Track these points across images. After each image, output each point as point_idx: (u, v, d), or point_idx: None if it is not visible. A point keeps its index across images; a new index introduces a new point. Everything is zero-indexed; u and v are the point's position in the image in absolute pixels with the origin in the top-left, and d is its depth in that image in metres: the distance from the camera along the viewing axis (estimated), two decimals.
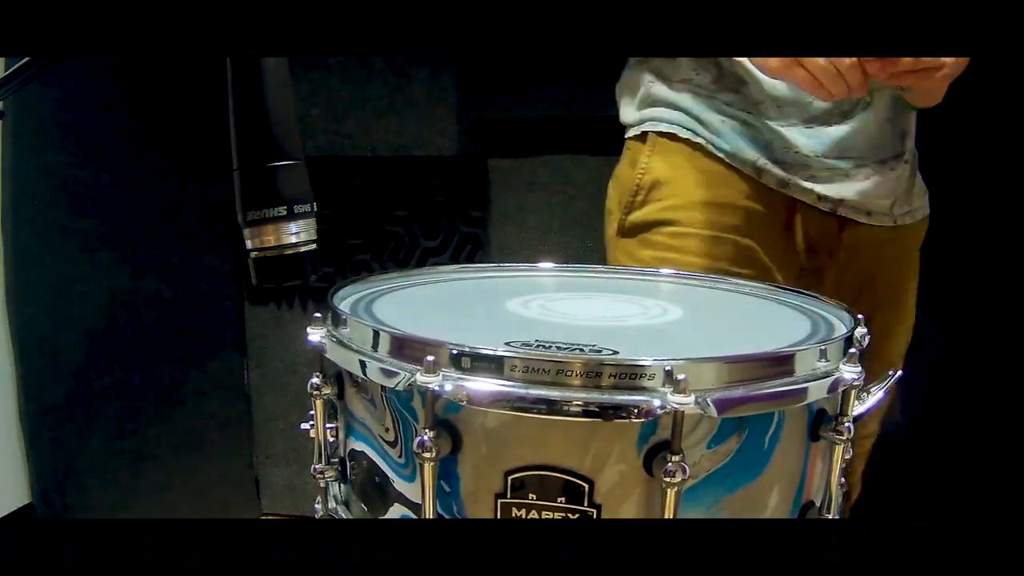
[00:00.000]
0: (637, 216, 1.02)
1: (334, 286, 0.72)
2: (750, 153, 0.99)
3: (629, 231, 1.03)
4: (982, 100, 1.29)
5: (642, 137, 1.04)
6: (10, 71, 0.56)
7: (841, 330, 0.67)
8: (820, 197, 1.00)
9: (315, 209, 0.58)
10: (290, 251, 0.56)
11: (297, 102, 0.57)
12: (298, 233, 0.56)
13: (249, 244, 0.57)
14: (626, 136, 1.08)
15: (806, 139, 0.98)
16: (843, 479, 0.62)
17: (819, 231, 1.03)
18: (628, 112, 1.08)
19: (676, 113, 1.01)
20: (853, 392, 0.59)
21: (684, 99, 1.01)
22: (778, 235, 1.02)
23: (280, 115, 0.56)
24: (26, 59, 0.55)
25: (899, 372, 0.70)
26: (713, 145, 1.00)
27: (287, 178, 0.56)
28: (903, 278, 1.11)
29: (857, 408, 0.61)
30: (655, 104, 1.03)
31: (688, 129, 1.01)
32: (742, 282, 0.89)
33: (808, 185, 1.00)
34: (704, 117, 1.00)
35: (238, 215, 0.56)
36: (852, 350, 0.60)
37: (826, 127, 0.98)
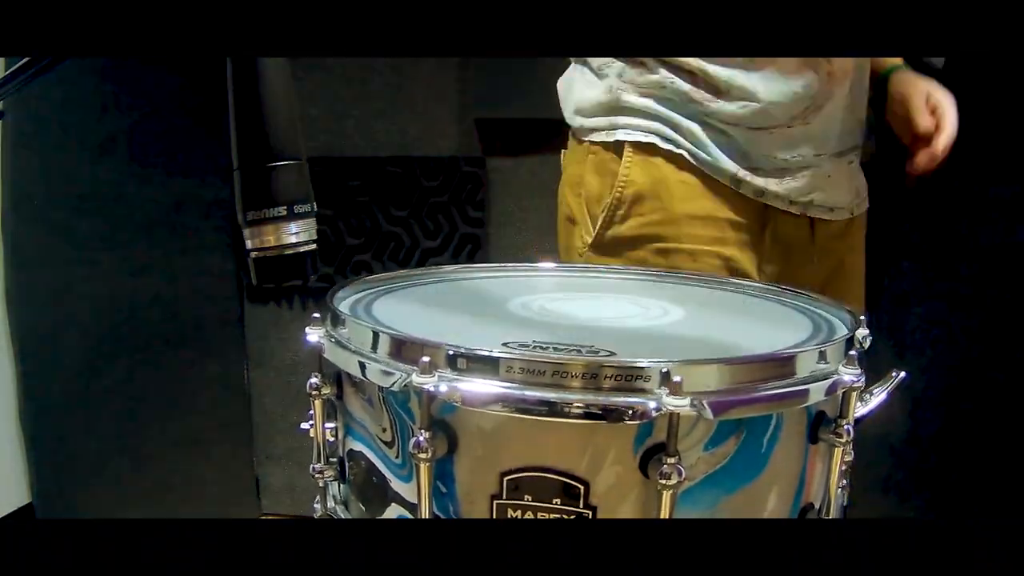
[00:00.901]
0: (619, 231, 0.98)
1: (334, 286, 0.72)
2: (729, 164, 0.96)
3: (607, 246, 1.00)
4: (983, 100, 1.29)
5: (615, 146, 0.99)
6: (10, 71, 0.56)
7: (842, 331, 0.67)
8: (792, 202, 1.00)
9: (315, 209, 0.58)
10: (290, 251, 0.56)
11: (297, 102, 0.57)
12: (298, 233, 0.56)
13: (249, 244, 0.57)
14: (583, 139, 1.03)
15: (784, 140, 0.97)
16: (844, 481, 0.62)
17: (793, 235, 1.03)
18: (585, 113, 1.02)
19: (653, 122, 0.97)
20: (853, 394, 0.58)
21: (660, 107, 0.96)
22: (754, 243, 1.01)
23: (280, 115, 0.56)
24: (26, 59, 0.56)
25: (903, 374, 0.70)
26: (694, 156, 0.96)
27: (287, 178, 0.56)
28: (857, 266, 1.12)
29: (859, 410, 0.61)
30: (626, 112, 0.98)
31: (668, 140, 0.97)
32: (743, 282, 0.89)
33: (782, 191, 0.99)
34: (684, 126, 0.96)
35: (238, 215, 0.56)
36: (852, 352, 0.59)
37: (803, 125, 0.97)
